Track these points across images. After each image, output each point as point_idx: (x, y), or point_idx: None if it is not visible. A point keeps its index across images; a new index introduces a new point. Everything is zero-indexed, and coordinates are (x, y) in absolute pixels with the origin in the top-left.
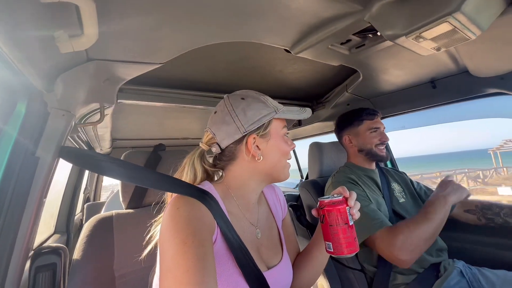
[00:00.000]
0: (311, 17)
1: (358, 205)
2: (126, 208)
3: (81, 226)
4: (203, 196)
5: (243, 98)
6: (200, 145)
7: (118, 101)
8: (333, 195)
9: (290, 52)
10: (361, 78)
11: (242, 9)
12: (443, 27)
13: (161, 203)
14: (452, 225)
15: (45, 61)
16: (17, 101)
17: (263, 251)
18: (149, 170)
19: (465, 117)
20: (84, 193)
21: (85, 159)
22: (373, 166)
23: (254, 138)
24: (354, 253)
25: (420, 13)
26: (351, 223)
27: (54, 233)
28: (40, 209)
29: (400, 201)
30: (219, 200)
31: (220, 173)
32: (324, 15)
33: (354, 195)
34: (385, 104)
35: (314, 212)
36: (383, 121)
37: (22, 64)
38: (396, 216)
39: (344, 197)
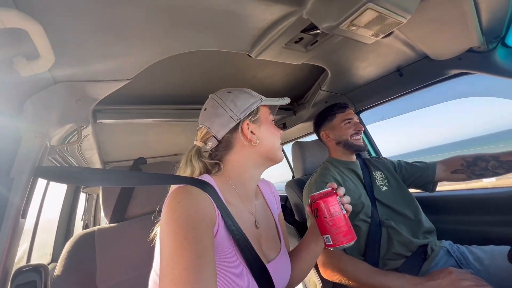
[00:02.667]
0: (258, 21)
1: (348, 198)
2: (110, 223)
3: None
4: (203, 185)
5: (229, 92)
6: (195, 143)
7: (98, 121)
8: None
9: (251, 57)
10: (329, 74)
11: (194, 21)
12: (369, 14)
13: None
14: (439, 207)
15: (10, 86)
16: None
17: (263, 243)
18: (137, 172)
19: (436, 101)
20: (82, 220)
21: (63, 174)
22: (353, 158)
23: (248, 124)
24: (353, 241)
25: (345, 3)
26: (344, 212)
27: (51, 261)
28: (17, 229)
29: (382, 190)
30: (218, 191)
31: (217, 168)
32: (269, 17)
33: (342, 188)
34: (360, 97)
35: (307, 209)
36: (362, 115)
37: None
38: (380, 205)
39: (332, 188)
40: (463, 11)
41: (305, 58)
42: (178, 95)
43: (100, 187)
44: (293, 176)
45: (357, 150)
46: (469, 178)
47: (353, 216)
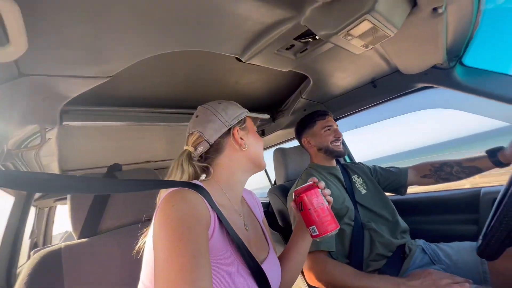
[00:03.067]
0: (255, 24)
1: (328, 190)
2: (78, 238)
3: None
4: (196, 187)
5: (219, 102)
6: (186, 147)
7: (64, 123)
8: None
9: (241, 60)
10: (311, 83)
11: (188, 18)
12: (365, 25)
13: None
14: (411, 209)
15: None
16: None
17: (252, 245)
18: (128, 179)
19: (404, 111)
20: (30, 238)
21: (30, 181)
22: (334, 163)
23: (237, 130)
24: (337, 229)
25: (344, 13)
26: (326, 203)
27: None
28: None
29: (362, 193)
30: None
31: (206, 173)
32: (266, 21)
33: (323, 182)
34: (337, 106)
35: (292, 204)
36: (338, 122)
37: None
38: (361, 208)
39: (314, 182)
40: (437, 30)
41: (293, 66)
42: (157, 97)
43: (69, 197)
44: (275, 183)
45: (338, 156)
46: (436, 182)
47: (337, 220)
